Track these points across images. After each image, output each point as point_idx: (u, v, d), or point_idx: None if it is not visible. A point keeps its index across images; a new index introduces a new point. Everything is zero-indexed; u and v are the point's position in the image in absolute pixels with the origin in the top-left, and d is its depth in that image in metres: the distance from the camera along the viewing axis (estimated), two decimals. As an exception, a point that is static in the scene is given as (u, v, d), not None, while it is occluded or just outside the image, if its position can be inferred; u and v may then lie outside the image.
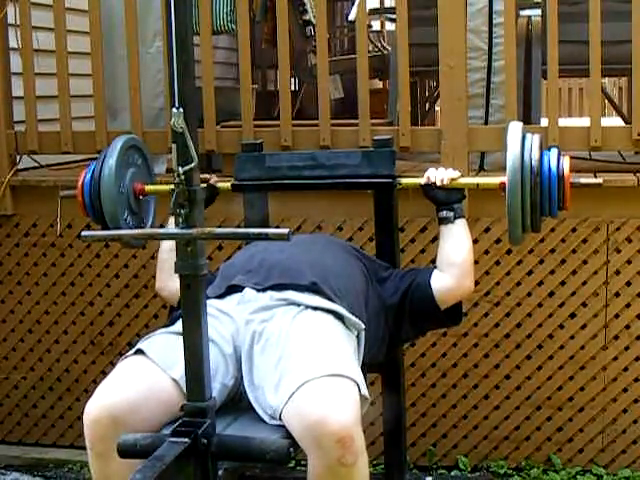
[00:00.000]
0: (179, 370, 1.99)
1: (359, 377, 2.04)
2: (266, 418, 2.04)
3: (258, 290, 2.30)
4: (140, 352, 2.14)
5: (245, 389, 2.12)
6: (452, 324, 2.67)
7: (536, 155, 2.33)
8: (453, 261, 2.51)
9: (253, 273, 2.36)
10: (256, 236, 1.89)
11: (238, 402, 2.16)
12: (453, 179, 2.54)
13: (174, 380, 2.04)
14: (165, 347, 2.14)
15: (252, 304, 2.26)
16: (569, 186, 2.35)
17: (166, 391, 2.05)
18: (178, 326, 2.07)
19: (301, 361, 2.04)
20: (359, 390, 2.01)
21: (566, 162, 2.37)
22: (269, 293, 2.28)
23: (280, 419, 2.00)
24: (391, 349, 2.58)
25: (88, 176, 2.65)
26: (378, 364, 2.50)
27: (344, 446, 1.87)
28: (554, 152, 2.39)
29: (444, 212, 2.53)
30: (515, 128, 2.38)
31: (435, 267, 2.56)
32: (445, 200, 2.54)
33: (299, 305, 2.24)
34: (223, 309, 2.27)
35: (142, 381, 2.07)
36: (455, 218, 2.52)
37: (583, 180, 2.47)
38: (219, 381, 2.10)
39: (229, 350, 2.16)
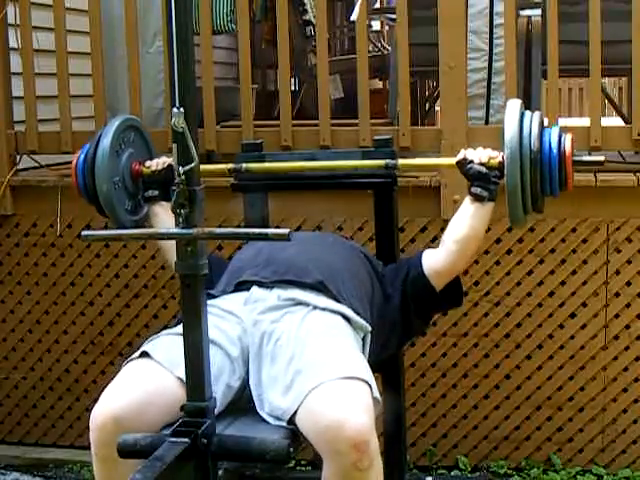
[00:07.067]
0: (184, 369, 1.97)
1: (371, 379, 2.02)
2: (270, 420, 2.02)
3: (264, 287, 2.28)
4: (145, 355, 2.12)
5: (250, 389, 2.10)
6: (454, 306, 2.62)
7: (535, 132, 2.25)
8: (460, 240, 2.38)
9: (259, 268, 2.33)
10: (256, 236, 1.89)
11: (246, 404, 2.14)
12: (492, 157, 2.35)
13: (179, 379, 2.02)
14: (169, 348, 2.11)
15: (260, 304, 2.23)
16: (570, 164, 2.26)
17: (172, 391, 2.02)
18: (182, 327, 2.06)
19: (314, 363, 2.02)
20: (371, 392, 1.99)
21: (568, 139, 2.28)
22: (276, 292, 2.26)
23: (290, 422, 1.97)
24: (401, 346, 2.59)
25: (82, 157, 2.54)
26: (378, 364, 2.50)
27: (359, 450, 1.86)
28: (555, 129, 2.31)
29: (478, 189, 2.34)
30: (513, 105, 2.31)
31: (423, 251, 2.49)
32: (483, 174, 2.33)
33: (307, 305, 2.22)
34: (228, 309, 2.24)
35: (148, 383, 2.05)
36: (488, 200, 2.35)
37: (585, 157, 2.38)
38: (224, 382, 2.08)
39: (235, 352, 2.13)
